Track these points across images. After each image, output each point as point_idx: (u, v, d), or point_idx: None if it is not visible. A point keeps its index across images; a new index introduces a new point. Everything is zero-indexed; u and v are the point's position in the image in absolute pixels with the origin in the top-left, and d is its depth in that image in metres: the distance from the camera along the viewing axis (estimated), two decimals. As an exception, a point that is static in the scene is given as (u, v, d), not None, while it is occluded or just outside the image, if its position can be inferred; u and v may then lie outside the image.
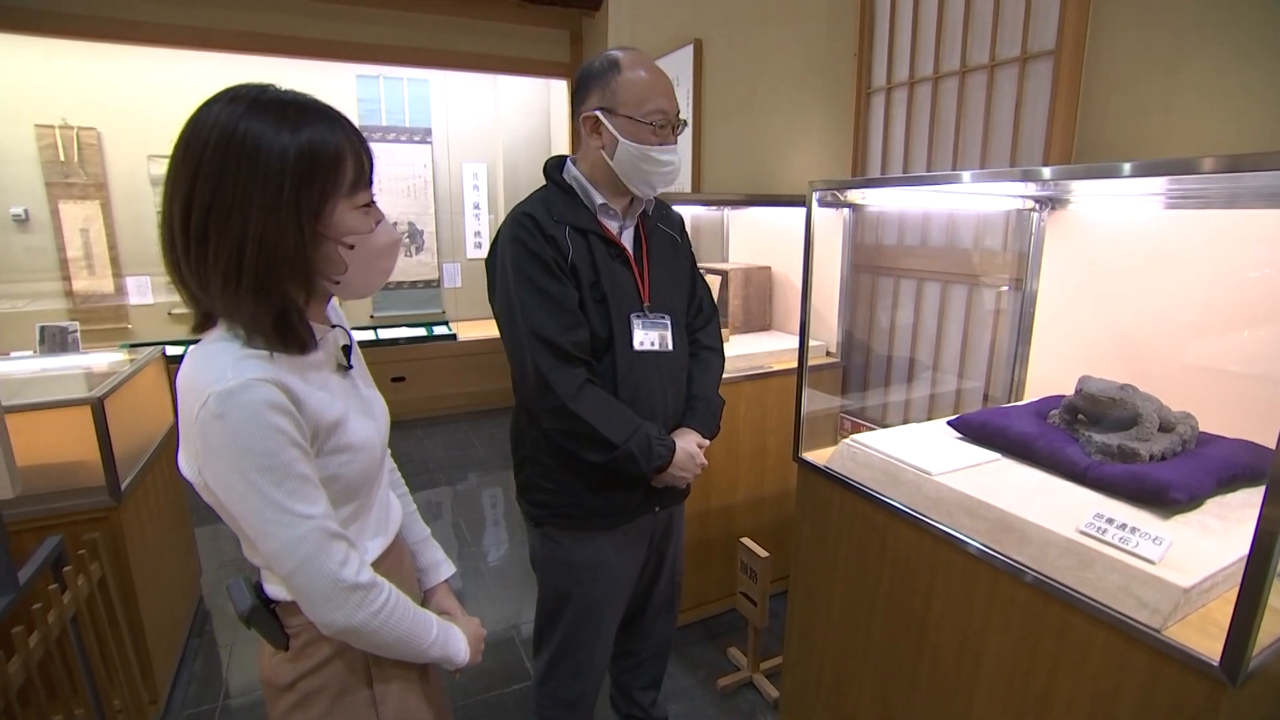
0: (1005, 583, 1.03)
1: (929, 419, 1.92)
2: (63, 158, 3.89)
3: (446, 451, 3.99)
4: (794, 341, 2.37)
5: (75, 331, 2.54)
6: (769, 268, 2.53)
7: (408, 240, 4.73)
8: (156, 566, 1.99)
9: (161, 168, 3.96)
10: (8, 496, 1.27)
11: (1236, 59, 1.32)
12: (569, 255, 1.22)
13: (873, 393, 2.27)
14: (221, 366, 0.73)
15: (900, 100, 2.11)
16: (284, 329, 0.76)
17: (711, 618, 2.25)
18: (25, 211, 3.90)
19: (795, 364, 2.25)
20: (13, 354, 2.77)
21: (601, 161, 1.25)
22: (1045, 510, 1.05)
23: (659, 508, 1.36)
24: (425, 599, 1.08)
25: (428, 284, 4.90)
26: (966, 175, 1.20)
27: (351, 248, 0.79)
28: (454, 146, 4.74)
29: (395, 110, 4.55)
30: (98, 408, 1.68)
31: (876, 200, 1.62)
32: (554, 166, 1.32)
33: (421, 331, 4.61)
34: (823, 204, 1.74)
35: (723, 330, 2.34)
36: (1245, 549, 0.92)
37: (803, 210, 2.37)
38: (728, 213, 2.81)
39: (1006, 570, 1.02)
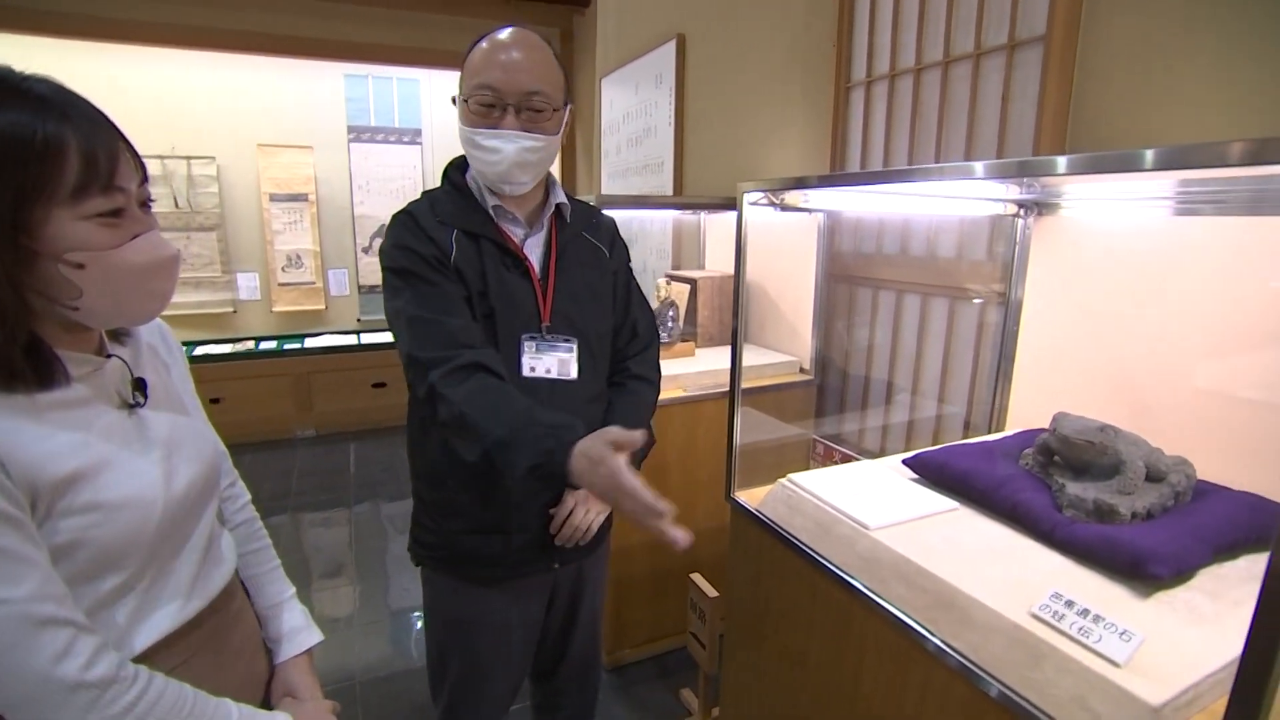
0: (941, 674, 0.83)
1: (908, 448, 1.71)
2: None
3: (426, 459, 3.85)
4: (769, 356, 2.18)
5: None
6: (742, 276, 2.33)
7: (395, 242, 4.61)
8: None
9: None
10: None
11: (1250, 47, 1.11)
12: (452, 256, 1.04)
13: (850, 415, 2.06)
14: None
15: (880, 94, 1.91)
16: None
17: (666, 654, 2.07)
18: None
19: (767, 381, 2.06)
20: None
21: None
22: (997, 582, 0.86)
23: (559, 564, 1.17)
24: (273, 675, 0.91)
25: (419, 287, 4.77)
26: (920, 172, 1.00)
27: (82, 267, 0.62)
28: (444, 147, 4.61)
29: (384, 110, 4.43)
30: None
31: (821, 203, 1.43)
32: (455, 166, 1.15)
33: (408, 335, 4.48)
34: (783, 208, 1.55)
35: (689, 344, 2.18)
36: (1241, 645, 0.73)
37: (783, 215, 2.19)
38: (704, 217, 2.62)
39: (942, 658, 0.82)
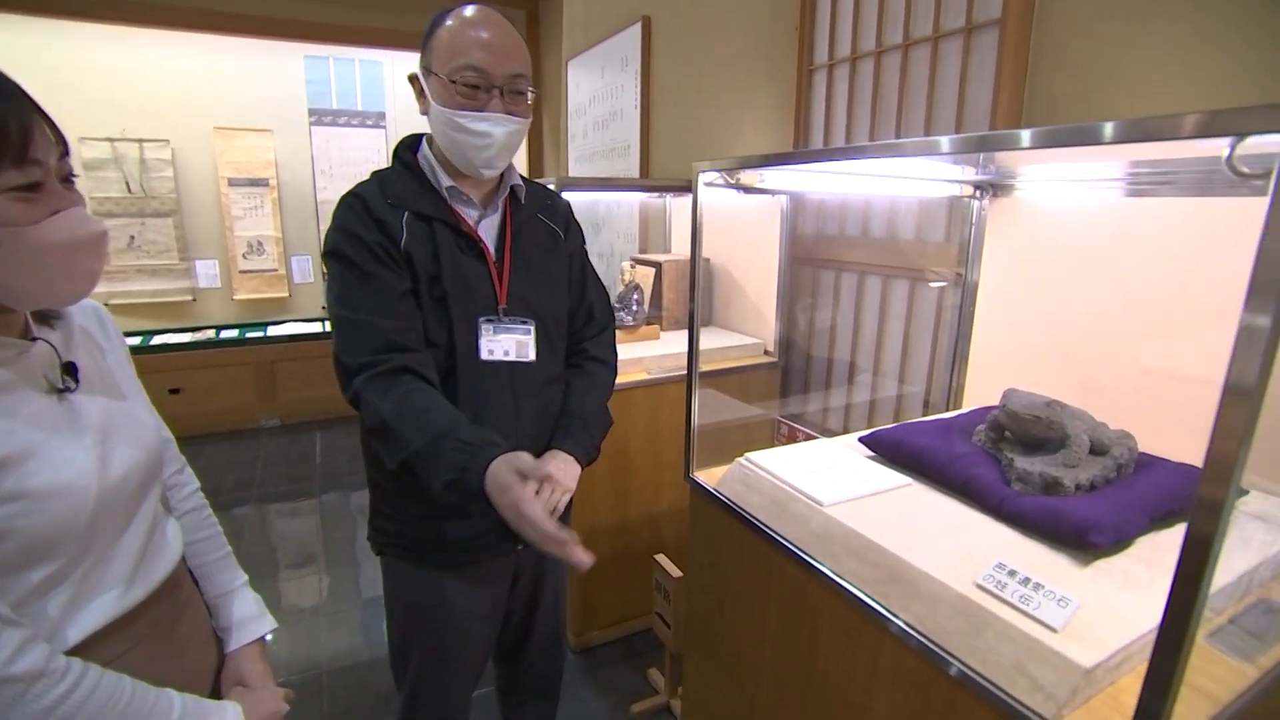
0: (890, 644, 0.85)
1: (870, 428, 1.74)
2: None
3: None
4: (733, 338, 2.19)
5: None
6: (708, 259, 2.34)
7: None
8: None
9: (92, 150, 3.80)
10: None
11: (1198, 31, 1.13)
12: (401, 241, 1.02)
13: (814, 396, 2.08)
14: None
15: (842, 77, 1.92)
16: None
17: (634, 635, 2.08)
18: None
19: (731, 363, 2.07)
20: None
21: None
22: (946, 554, 0.87)
23: (522, 546, 1.17)
24: (224, 665, 0.90)
25: (385, 273, 4.69)
26: (870, 149, 1.01)
27: None
28: (408, 130, 4.51)
29: (347, 93, 4.33)
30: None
31: (777, 183, 1.43)
32: (406, 145, 1.13)
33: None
34: (739, 188, 1.55)
35: (654, 327, 2.18)
36: None
37: (746, 198, 2.19)
38: (670, 200, 2.61)
39: (892, 630, 0.84)
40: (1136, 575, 0.83)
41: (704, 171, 1.16)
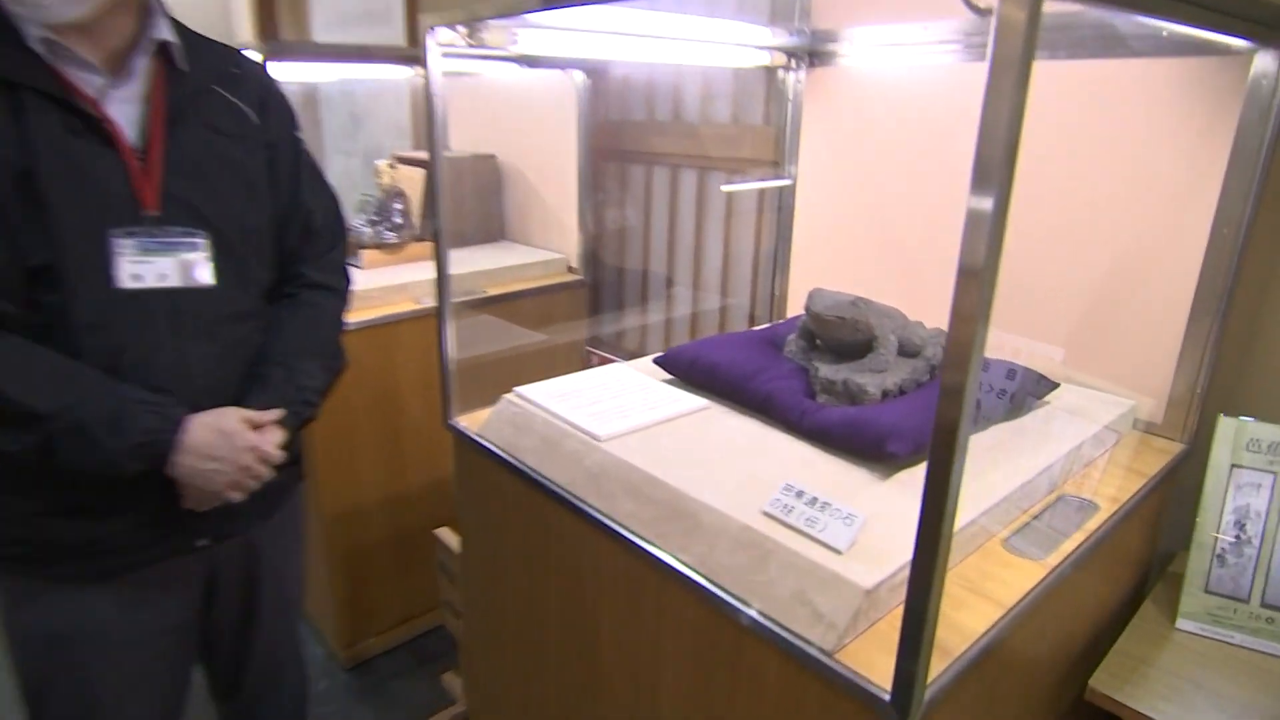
0: (673, 592, 0.86)
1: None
2: None
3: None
4: (530, 254, 2.14)
5: None
6: (493, 157, 2.25)
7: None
8: None
9: None
10: None
11: None
12: None
13: (629, 315, 2.10)
14: None
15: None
16: None
17: (424, 635, 2.04)
18: None
19: (528, 284, 2.04)
20: None
21: None
22: (733, 482, 0.90)
23: (208, 540, 1.06)
24: None
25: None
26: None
27: None
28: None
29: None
30: None
31: (544, 48, 1.38)
32: None
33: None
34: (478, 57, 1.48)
35: (425, 244, 2.06)
36: (966, 515, 0.83)
37: (536, 78, 2.11)
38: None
39: (672, 576, 0.85)
40: (935, 483, 0.90)
41: (434, 29, 1.08)
